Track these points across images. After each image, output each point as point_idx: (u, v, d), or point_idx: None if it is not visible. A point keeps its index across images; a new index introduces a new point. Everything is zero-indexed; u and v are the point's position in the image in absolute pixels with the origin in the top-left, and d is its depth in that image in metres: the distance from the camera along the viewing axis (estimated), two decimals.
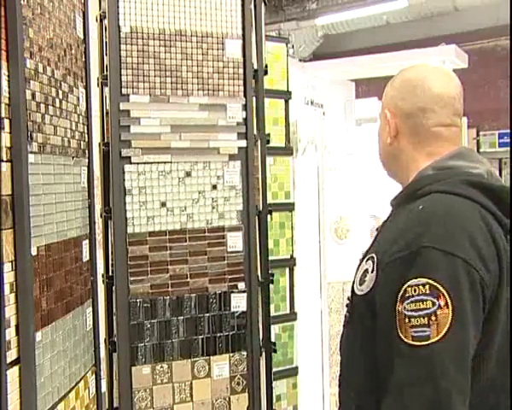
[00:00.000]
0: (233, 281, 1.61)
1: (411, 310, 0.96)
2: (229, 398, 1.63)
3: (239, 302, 1.62)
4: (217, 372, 1.60)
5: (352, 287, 1.17)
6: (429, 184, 1.12)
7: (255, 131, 1.74)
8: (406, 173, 1.20)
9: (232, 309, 1.61)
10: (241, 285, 1.61)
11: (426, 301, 0.95)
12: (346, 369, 1.18)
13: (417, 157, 1.19)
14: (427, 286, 0.95)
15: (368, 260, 1.11)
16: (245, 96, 1.63)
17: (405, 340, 0.96)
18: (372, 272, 1.08)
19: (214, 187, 1.60)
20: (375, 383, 1.04)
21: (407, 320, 0.96)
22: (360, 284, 1.11)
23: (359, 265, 1.18)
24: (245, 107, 1.63)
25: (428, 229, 1.01)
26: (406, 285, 0.97)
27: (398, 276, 1.00)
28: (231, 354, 1.62)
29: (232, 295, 1.62)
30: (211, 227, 1.59)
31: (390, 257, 1.03)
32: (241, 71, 1.62)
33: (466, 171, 1.12)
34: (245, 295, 1.60)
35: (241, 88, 1.62)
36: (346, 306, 1.22)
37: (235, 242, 1.61)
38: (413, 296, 0.96)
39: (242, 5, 1.63)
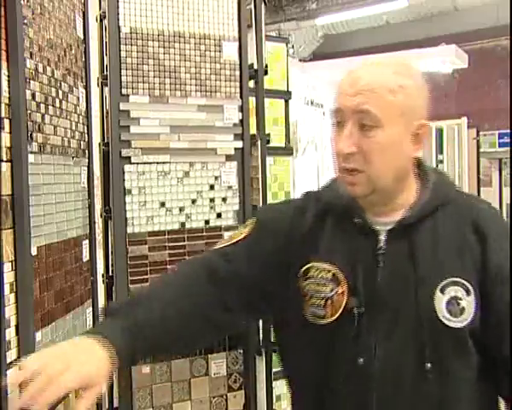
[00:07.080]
0: None
1: None
2: (227, 396, 1.63)
3: None
4: (214, 370, 1.61)
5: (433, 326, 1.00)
6: (454, 190, 1.11)
7: (255, 131, 1.74)
8: (411, 187, 1.07)
9: None
10: None
11: None
12: None
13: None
14: None
15: (446, 286, 1.01)
16: (241, 97, 1.64)
17: None
18: (468, 295, 1.01)
19: (212, 187, 1.61)
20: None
21: None
22: (456, 316, 1.01)
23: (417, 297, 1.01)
24: (241, 108, 1.64)
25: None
26: None
27: None
28: (228, 352, 1.63)
29: None
30: (208, 227, 1.60)
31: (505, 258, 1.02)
32: (237, 73, 1.63)
33: None
34: None
35: (238, 89, 1.63)
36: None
37: None
38: None
39: (239, 8, 1.64)
